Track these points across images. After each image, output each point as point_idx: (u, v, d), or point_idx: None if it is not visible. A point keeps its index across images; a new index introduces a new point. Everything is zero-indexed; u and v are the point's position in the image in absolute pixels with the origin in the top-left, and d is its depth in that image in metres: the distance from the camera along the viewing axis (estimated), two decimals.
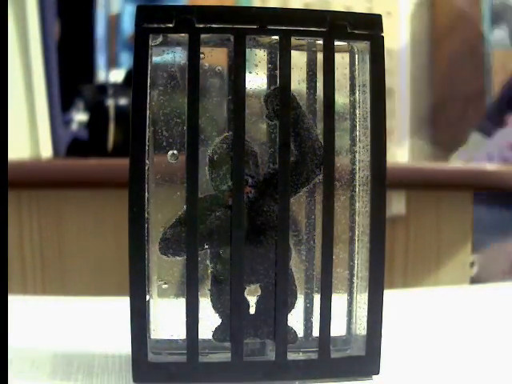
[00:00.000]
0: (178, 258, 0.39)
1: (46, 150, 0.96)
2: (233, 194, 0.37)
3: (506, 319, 0.54)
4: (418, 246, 0.99)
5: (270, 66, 0.40)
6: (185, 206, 0.38)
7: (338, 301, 0.40)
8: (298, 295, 0.40)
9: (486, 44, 1.71)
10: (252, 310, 0.40)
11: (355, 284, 0.41)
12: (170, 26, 0.37)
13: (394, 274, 0.96)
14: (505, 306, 0.59)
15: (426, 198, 0.99)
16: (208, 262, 0.39)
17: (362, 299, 0.40)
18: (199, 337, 0.38)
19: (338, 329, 0.41)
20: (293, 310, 0.40)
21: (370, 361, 0.39)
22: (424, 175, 0.97)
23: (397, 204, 0.95)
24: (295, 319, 0.40)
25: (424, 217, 0.99)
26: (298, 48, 0.40)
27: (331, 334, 0.39)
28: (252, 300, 0.40)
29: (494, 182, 1.03)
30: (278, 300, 0.38)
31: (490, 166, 1.11)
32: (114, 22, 1.22)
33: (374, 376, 0.39)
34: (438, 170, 0.98)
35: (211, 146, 0.39)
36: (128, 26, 1.18)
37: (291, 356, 0.39)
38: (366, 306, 0.39)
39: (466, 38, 1.73)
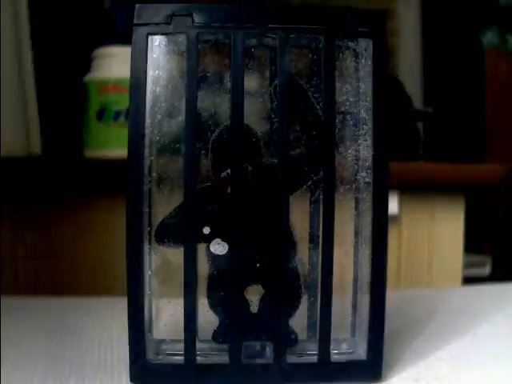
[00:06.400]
0: (173, 248, 0.39)
1: (37, 149, 0.96)
2: (231, 181, 0.37)
3: (501, 320, 0.54)
4: (411, 246, 0.98)
5: (271, 64, 0.40)
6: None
7: (344, 303, 0.40)
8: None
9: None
10: (255, 310, 0.40)
11: (359, 286, 0.41)
12: (169, 25, 0.37)
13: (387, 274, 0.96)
14: (497, 306, 0.59)
15: (418, 198, 0.99)
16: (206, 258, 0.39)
17: (365, 302, 0.40)
18: (200, 338, 0.38)
19: (342, 331, 0.41)
20: (296, 311, 0.40)
21: (371, 366, 0.39)
22: (417, 175, 0.97)
23: (389, 204, 0.95)
24: (298, 321, 0.40)
25: (416, 217, 0.99)
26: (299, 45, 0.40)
27: (336, 337, 0.39)
28: (255, 300, 0.40)
29: (486, 181, 1.03)
30: (278, 301, 0.38)
31: (482, 166, 1.11)
32: (106, 21, 1.22)
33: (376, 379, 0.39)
34: (431, 170, 0.98)
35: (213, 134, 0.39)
36: (121, 25, 1.17)
37: (291, 359, 0.39)
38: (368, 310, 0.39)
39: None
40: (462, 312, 0.56)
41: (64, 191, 0.86)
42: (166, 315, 0.41)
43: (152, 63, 0.38)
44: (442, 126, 1.63)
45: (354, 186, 0.40)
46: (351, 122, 0.40)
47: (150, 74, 0.37)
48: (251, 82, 0.39)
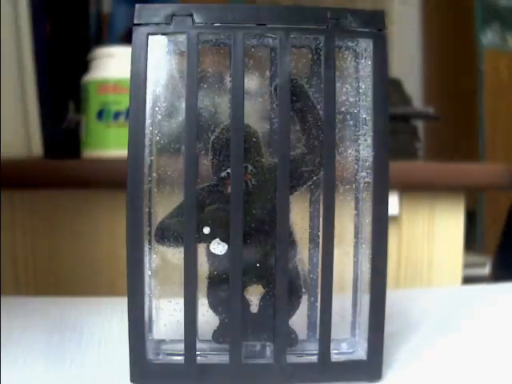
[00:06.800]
0: (173, 248, 0.39)
1: (37, 150, 0.96)
2: (231, 180, 0.37)
3: (501, 319, 0.54)
4: (411, 246, 0.98)
5: (271, 64, 0.40)
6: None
7: (344, 303, 0.40)
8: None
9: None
10: (255, 310, 0.40)
11: (359, 286, 0.41)
12: (169, 25, 0.37)
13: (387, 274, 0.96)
14: (497, 306, 0.59)
15: (418, 198, 0.99)
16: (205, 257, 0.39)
17: (365, 302, 0.40)
18: (200, 338, 0.38)
19: (342, 331, 0.41)
20: (296, 311, 0.40)
21: (371, 365, 0.39)
22: (417, 175, 0.97)
23: (390, 204, 0.94)
24: (298, 321, 0.40)
25: (416, 217, 0.99)
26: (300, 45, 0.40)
27: (336, 337, 0.39)
28: (255, 299, 0.40)
29: (486, 181, 1.03)
30: (278, 301, 0.38)
31: (482, 166, 1.11)
32: (105, 22, 1.22)
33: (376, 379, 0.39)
34: (431, 170, 0.98)
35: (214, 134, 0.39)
36: (120, 25, 1.17)
37: (291, 359, 0.39)
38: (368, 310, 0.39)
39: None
40: (462, 312, 0.56)
41: (64, 191, 0.86)
42: (166, 315, 0.41)
43: (152, 63, 0.37)
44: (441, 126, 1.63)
45: (354, 185, 0.40)
46: (351, 122, 0.40)
47: (150, 74, 0.37)
48: (251, 82, 0.39)
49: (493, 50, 1.89)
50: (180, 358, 0.39)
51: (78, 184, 0.84)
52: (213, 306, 0.39)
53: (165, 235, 0.39)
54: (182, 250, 0.37)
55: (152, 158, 0.39)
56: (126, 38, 1.06)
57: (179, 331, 0.38)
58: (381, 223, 0.39)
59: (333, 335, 0.38)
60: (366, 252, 0.40)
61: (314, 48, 0.40)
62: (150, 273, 0.39)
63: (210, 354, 0.40)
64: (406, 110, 1.16)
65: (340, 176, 0.39)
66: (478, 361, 0.44)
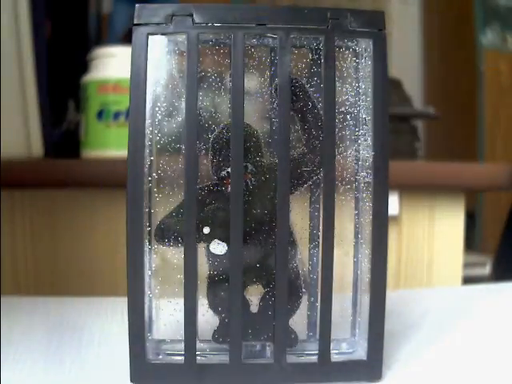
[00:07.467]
0: (173, 247, 0.39)
1: (37, 150, 0.96)
2: (231, 180, 0.37)
3: (501, 319, 0.54)
4: (411, 246, 0.98)
5: (271, 64, 0.40)
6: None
7: (344, 302, 0.40)
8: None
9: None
10: (255, 310, 0.40)
11: (359, 286, 0.41)
12: (169, 25, 0.37)
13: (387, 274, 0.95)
14: (497, 306, 0.59)
15: (418, 198, 0.99)
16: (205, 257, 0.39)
17: (365, 302, 0.40)
18: (200, 338, 0.38)
19: (342, 331, 0.41)
20: (296, 311, 0.40)
21: (371, 365, 0.39)
22: (417, 175, 0.97)
23: (390, 204, 0.94)
24: (298, 321, 0.40)
25: (416, 217, 0.99)
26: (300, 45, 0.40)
27: (336, 337, 0.39)
28: (255, 299, 0.40)
29: (486, 181, 1.03)
30: (278, 301, 0.38)
31: (482, 166, 1.11)
32: (105, 22, 1.22)
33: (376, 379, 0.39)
34: (431, 170, 0.98)
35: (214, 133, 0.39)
36: (120, 25, 1.17)
37: (291, 359, 0.39)
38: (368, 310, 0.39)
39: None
40: (462, 312, 0.56)
41: (64, 191, 0.86)
42: (166, 315, 0.41)
43: (152, 63, 0.38)
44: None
45: (354, 185, 0.40)
46: (351, 122, 0.40)
47: (150, 74, 0.37)
48: (251, 82, 0.39)
49: (493, 50, 1.90)
50: (180, 358, 0.39)
51: (77, 184, 0.83)
52: (213, 305, 0.39)
53: (165, 235, 0.39)
54: (181, 249, 0.37)
55: (152, 158, 0.39)
56: (126, 38, 1.06)
57: (179, 331, 0.38)
58: (381, 223, 0.39)
59: (333, 335, 0.38)
60: (365, 252, 0.40)
61: (313, 48, 0.40)
62: (150, 273, 0.39)
63: (209, 354, 0.40)
64: (405, 110, 1.16)
65: (340, 176, 0.39)
66: (478, 361, 0.44)
